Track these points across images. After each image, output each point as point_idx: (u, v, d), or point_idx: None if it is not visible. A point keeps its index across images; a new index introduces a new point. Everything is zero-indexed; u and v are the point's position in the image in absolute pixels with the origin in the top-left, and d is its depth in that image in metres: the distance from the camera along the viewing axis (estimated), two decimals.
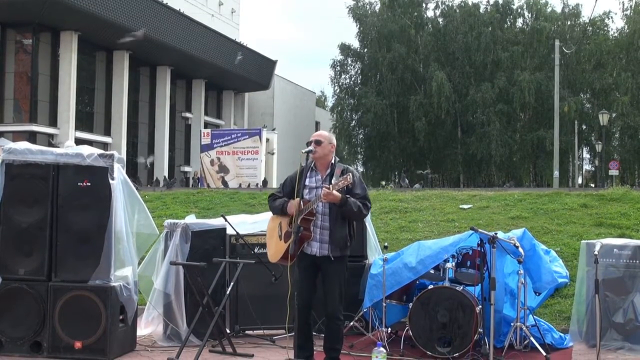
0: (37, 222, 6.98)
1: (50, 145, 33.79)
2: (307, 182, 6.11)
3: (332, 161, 6.19)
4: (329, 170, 6.14)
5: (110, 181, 6.96)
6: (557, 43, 38.84)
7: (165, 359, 6.85)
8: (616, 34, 53.72)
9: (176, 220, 7.89)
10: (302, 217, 5.86)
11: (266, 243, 6.54)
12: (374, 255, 8.35)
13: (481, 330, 6.87)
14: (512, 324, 7.17)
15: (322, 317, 6.33)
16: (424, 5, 55.52)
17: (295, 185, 6.15)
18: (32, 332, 6.90)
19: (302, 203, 5.91)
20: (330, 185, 5.79)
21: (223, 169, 38.83)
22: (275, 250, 6.19)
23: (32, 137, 37.02)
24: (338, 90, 58.55)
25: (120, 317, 7.03)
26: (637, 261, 7.32)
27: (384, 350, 6.12)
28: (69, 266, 6.94)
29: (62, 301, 6.87)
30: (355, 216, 6.03)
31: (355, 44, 57.55)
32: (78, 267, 6.91)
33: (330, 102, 70.19)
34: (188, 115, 53.19)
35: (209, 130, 42.66)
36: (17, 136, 37.15)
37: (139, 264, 7.74)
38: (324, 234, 5.99)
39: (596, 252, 6.51)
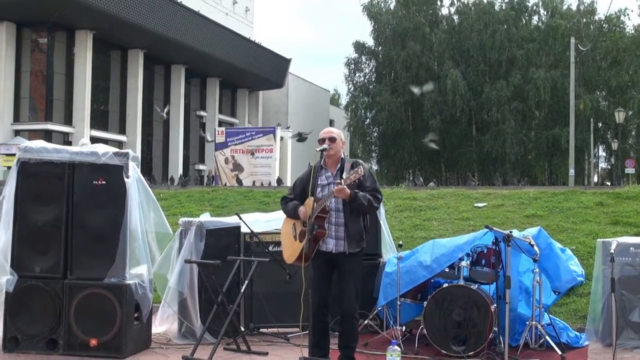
0: (53, 220, 7.01)
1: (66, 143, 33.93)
2: (318, 181, 6.09)
3: (342, 156, 6.20)
4: (339, 166, 6.13)
5: (125, 179, 6.98)
6: (572, 40, 38.65)
7: (180, 356, 6.86)
8: (632, 31, 53.36)
9: (191, 219, 7.91)
10: (316, 215, 5.86)
11: (281, 243, 6.51)
12: (389, 253, 8.33)
13: (496, 328, 6.84)
14: (527, 322, 7.14)
15: (337, 315, 6.31)
16: (438, 2, 55.40)
17: (306, 186, 6.15)
18: (48, 329, 6.93)
19: (314, 202, 5.90)
20: (342, 180, 5.78)
21: (237, 167, 38.91)
22: (291, 251, 6.16)
23: (47, 135, 37.28)
24: (352, 89, 58.59)
25: (135, 314, 7.05)
26: None
27: (399, 349, 6.11)
28: (84, 264, 6.96)
29: (78, 299, 6.90)
30: (366, 210, 6.01)
31: (370, 42, 57.62)
32: (93, 265, 6.93)
33: (344, 100, 70.31)
34: (202, 113, 53.35)
35: (223, 129, 42.76)
36: (32, 134, 37.44)
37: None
38: (339, 230, 5.98)
39: (612, 251, 6.46)
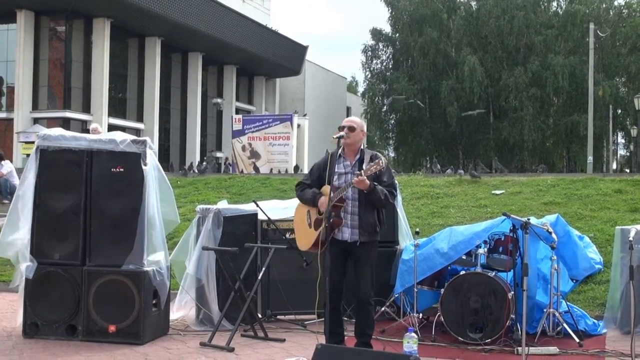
0: (72, 207, 7.07)
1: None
2: (335, 169, 6.08)
3: (362, 147, 6.19)
4: (358, 156, 6.12)
5: (143, 167, 7.01)
6: (591, 26, 38.27)
7: (198, 343, 6.91)
8: None
9: (208, 206, 7.94)
10: (333, 203, 5.85)
11: (295, 231, 6.49)
12: (406, 240, 8.33)
13: (513, 316, 6.83)
14: (544, 310, 7.12)
15: (353, 302, 6.33)
16: None
17: (322, 173, 6.15)
18: (67, 315, 7.00)
19: (331, 190, 5.89)
20: (362, 171, 5.77)
21: (254, 154, 38.91)
22: (306, 238, 6.17)
23: (66, 123, 37.44)
24: (369, 76, 58.26)
25: (153, 301, 7.10)
26: None
27: (416, 336, 6.11)
28: (102, 251, 7.02)
29: (97, 285, 6.96)
30: (382, 204, 6.00)
31: (387, 28, 57.20)
32: (112, 251, 6.99)
33: (361, 88, 70.00)
34: (219, 100, 53.40)
35: (240, 116, 42.74)
36: (51, 122, 37.60)
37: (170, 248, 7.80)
38: (354, 220, 5.99)
39: (631, 238, 6.41)
